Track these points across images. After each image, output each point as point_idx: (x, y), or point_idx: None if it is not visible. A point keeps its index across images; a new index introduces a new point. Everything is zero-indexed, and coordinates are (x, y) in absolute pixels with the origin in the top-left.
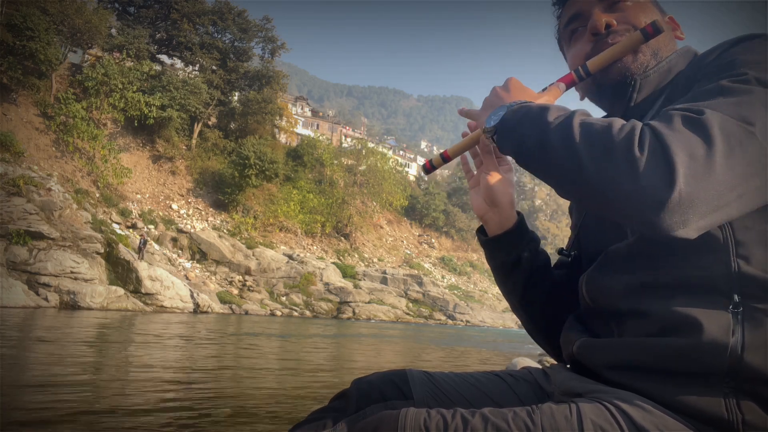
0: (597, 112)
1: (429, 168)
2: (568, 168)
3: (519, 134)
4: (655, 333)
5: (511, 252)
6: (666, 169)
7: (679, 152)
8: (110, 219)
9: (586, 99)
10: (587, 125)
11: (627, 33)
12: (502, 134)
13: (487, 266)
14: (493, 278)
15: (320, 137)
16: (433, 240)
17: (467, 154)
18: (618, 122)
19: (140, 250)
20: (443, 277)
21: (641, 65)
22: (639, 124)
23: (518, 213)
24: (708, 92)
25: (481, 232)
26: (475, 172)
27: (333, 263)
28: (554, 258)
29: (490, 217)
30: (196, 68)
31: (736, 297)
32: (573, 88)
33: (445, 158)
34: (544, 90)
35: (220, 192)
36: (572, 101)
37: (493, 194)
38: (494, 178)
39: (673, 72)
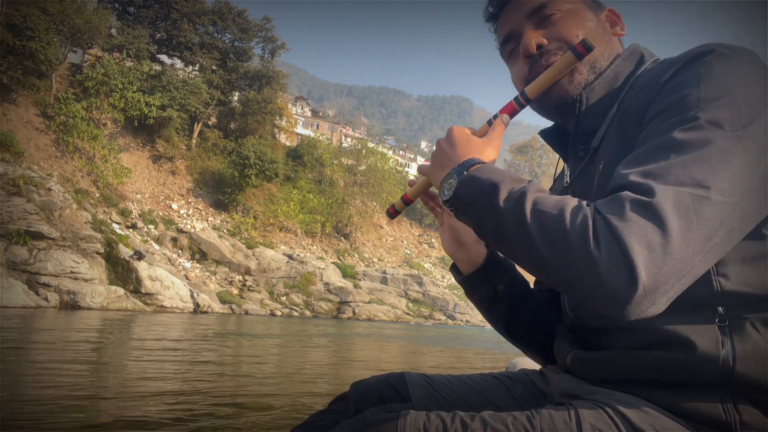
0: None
1: (393, 213)
2: (526, 259)
3: (476, 215)
4: (645, 346)
5: (486, 288)
6: (626, 268)
7: (636, 246)
8: (110, 219)
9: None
10: (539, 213)
11: (560, 51)
12: (459, 211)
13: None
14: None
15: (320, 137)
16: (433, 240)
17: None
18: (569, 207)
19: (138, 256)
20: (443, 276)
21: (578, 85)
22: (589, 213)
23: (487, 247)
24: (659, 148)
25: (455, 270)
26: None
27: (333, 263)
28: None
29: (458, 257)
30: (196, 68)
31: (720, 309)
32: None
33: (406, 201)
34: (489, 124)
35: (220, 192)
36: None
37: (457, 233)
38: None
39: (621, 78)
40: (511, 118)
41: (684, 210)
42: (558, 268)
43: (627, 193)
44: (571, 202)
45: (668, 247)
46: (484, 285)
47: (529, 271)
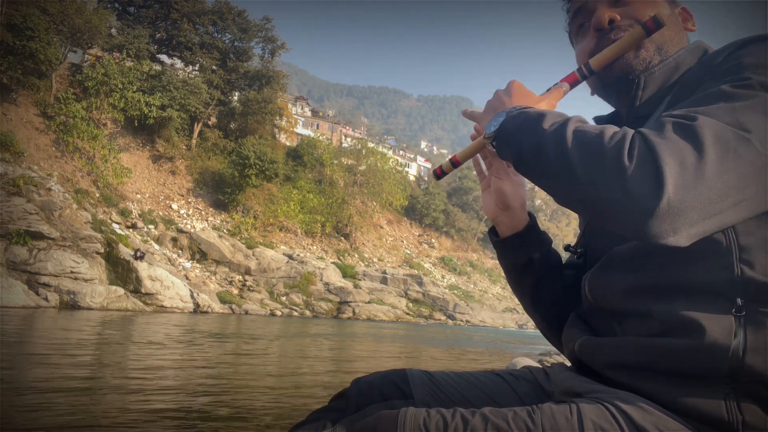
0: (607, 108)
1: (440, 174)
2: (561, 175)
3: (517, 141)
4: (657, 333)
5: (522, 253)
6: (654, 178)
7: (669, 160)
8: (110, 219)
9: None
10: (580, 133)
11: (630, 28)
12: (501, 141)
13: (486, 266)
14: (492, 278)
15: (320, 137)
16: (433, 240)
17: (479, 156)
18: (610, 129)
19: (138, 256)
20: (443, 276)
21: (643, 61)
22: (630, 132)
23: (530, 214)
24: (708, 97)
25: (493, 233)
26: (487, 174)
27: (333, 263)
28: (563, 256)
29: (501, 220)
30: (196, 68)
31: (739, 300)
32: (584, 83)
33: (454, 163)
34: (548, 91)
35: (220, 192)
36: (581, 96)
37: (505, 197)
38: (505, 181)
39: (681, 69)
40: (571, 88)
41: (724, 143)
42: (588, 182)
43: (670, 117)
44: (614, 127)
45: (701, 171)
46: (520, 250)
47: (560, 193)
